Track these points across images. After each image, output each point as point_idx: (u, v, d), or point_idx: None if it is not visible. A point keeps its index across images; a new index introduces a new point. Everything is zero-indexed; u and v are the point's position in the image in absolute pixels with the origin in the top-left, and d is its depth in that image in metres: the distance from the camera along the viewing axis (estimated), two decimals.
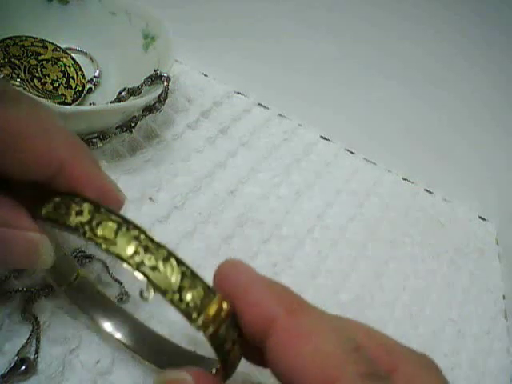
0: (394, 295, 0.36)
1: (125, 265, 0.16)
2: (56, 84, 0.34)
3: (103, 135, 0.32)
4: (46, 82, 0.34)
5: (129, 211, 0.31)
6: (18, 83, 0.32)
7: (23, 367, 0.22)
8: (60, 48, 0.36)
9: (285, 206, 0.37)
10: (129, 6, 0.37)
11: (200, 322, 0.16)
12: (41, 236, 0.19)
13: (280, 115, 0.45)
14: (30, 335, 0.23)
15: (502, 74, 0.42)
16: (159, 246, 0.17)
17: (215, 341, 0.16)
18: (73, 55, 0.37)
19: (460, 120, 0.45)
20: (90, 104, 0.35)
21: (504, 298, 0.42)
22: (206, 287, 0.17)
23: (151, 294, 0.16)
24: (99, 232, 0.16)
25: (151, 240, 0.17)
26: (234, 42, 0.44)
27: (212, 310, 0.16)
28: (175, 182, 0.34)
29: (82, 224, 0.17)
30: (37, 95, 0.32)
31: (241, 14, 0.44)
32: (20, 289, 0.24)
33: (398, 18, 0.41)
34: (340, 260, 0.36)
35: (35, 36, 0.35)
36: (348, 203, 0.41)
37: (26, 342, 0.23)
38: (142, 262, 0.16)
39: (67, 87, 0.35)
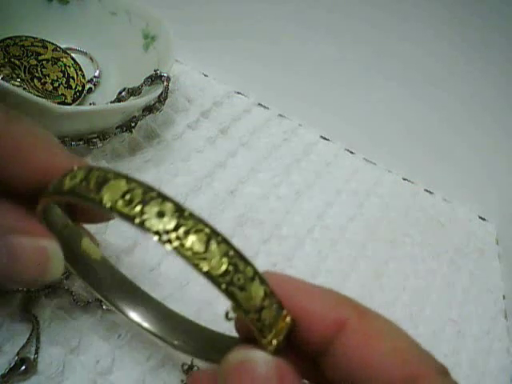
0: (394, 295, 0.36)
1: (210, 282, 0.14)
2: (56, 84, 0.34)
3: (103, 135, 0.32)
4: (46, 82, 0.34)
5: None
6: (18, 83, 0.32)
7: (23, 367, 0.22)
8: (60, 48, 0.36)
9: (285, 206, 0.37)
10: (129, 5, 0.37)
11: (269, 338, 0.16)
12: (51, 242, 0.18)
13: (280, 115, 0.45)
14: (30, 335, 0.23)
15: (502, 75, 0.42)
16: (247, 263, 0.15)
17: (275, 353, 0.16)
18: (73, 55, 0.37)
19: (460, 120, 0.45)
20: (90, 104, 0.35)
21: (504, 298, 0.42)
22: (279, 305, 0.16)
23: (234, 315, 0.15)
24: (188, 243, 0.14)
25: (240, 256, 0.15)
26: (234, 43, 0.44)
27: (280, 327, 0.16)
28: (175, 181, 0.34)
29: (167, 231, 0.14)
30: (37, 95, 0.32)
31: (241, 15, 0.44)
32: (20, 289, 0.24)
33: (398, 19, 0.41)
34: (340, 260, 0.36)
35: (35, 36, 0.35)
36: (348, 203, 0.41)
37: (26, 342, 0.23)
38: (231, 282, 0.15)
39: (67, 87, 0.35)
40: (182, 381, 0.25)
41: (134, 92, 0.33)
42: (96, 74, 0.37)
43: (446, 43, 0.41)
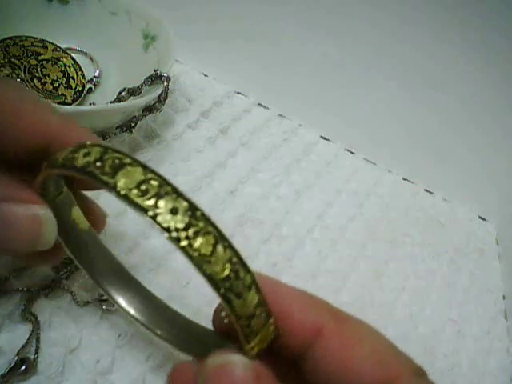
0: (394, 295, 0.36)
1: (210, 285, 0.14)
2: (56, 84, 0.34)
3: (103, 135, 0.32)
4: (46, 82, 0.34)
5: (129, 211, 0.31)
6: None
7: (23, 367, 0.22)
8: (60, 48, 0.36)
9: (285, 206, 0.37)
10: (129, 5, 0.37)
11: (252, 344, 0.16)
12: (44, 210, 0.18)
13: (280, 115, 0.45)
14: (30, 335, 0.23)
15: (502, 76, 0.42)
16: (247, 270, 0.15)
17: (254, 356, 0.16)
18: (73, 55, 0.37)
19: (460, 120, 0.45)
20: (90, 104, 0.35)
21: (504, 298, 0.42)
22: (268, 313, 0.16)
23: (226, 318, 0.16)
24: (196, 244, 0.14)
25: (242, 263, 0.15)
26: (234, 43, 0.44)
27: (265, 334, 0.16)
28: (175, 181, 0.34)
29: (177, 229, 0.14)
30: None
31: (241, 14, 0.44)
32: (20, 289, 0.24)
33: (398, 20, 0.41)
34: (340, 260, 0.36)
35: (35, 36, 0.35)
36: (348, 203, 0.41)
37: (26, 342, 0.23)
38: (230, 288, 0.15)
39: (67, 87, 0.35)
40: None
41: (134, 92, 0.33)
42: (96, 74, 0.37)
43: (445, 44, 0.41)
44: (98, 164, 0.15)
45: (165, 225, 0.14)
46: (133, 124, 0.33)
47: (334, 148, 0.45)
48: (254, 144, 0.41)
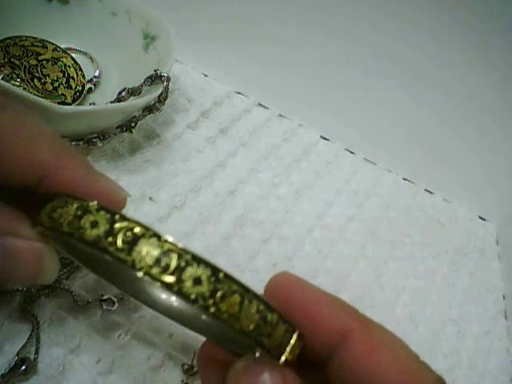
0: (394, 295, 0.36)
1: (242, 336, 0.15)
2: (56, 84, 0.34)
3: (103, 135, 0.32)
4: (46, 82, 0.34)
5: (129, 211, 0.31)
6: (18, 83, 0.32)
7: (23, 367, 0.22)
8: (60, 48, 0.36)
9: (285, 206, 0.37)
10: (129, 6, 0.37)
11: (269, 346, 0.16)
12: (45, 246, 0.18)
13: (280, 115, 0.45)
14: (30, 335, 0.23)
15: (502, 76, 0.42)
16: (272, 311, 0.16)
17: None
18: (73, 55, 0.37)
19: (460, 120, 0.45)
20: (90, 104, 0.35)
21: (504, 298, 0.42)
22: (293, 331, 0.17)
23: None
24: (224, 307, 0.15)
25: (269, 308, 0.16)
26: (234, 43, 0.44)
27: (292, 351, 0.17)
28: (175, 181, 0.34)
29: (204, 298, 0.14)
30: (37, 95, 0.32)
31: (241, 14, 0.44)
32: (20, 289, 0.24)
33: (398, 20, 0.41)
34: (340, 260, 0.36)
35: (35, 36, 0.35)
36: (348, 203, 0.41)
37: (26, 342, 0.23)
38: (260, 333, 0.15)
39: (67, 87, 0.35)
40: (182, 381, 0.25)
41: (134, 92, 0.33)
42: (96, 73, 0.37)
43: (445, 44, 0.41)
44: (110, 240, 0.15)
45: (192, 297, 0.14)
46: (133, 124, 0.33)
47: (334, 148, 0.45)
48: (254, 144, 0.41)
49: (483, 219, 0.48)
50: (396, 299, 0.36)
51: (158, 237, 0.15)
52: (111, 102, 0.33)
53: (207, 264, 0.15)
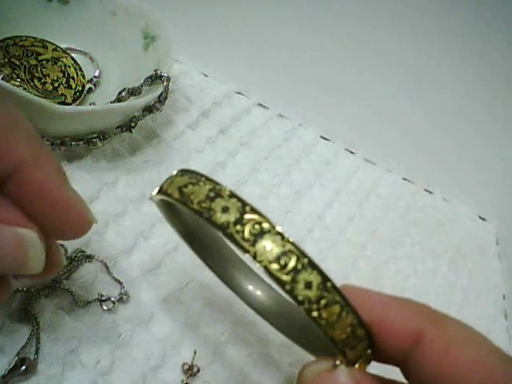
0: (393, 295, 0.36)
1: (332, 342, 0.16)
2: (56, 84, 0.34)
3: (103, 135, 0.32)
4: (45, 82, 0.34)
5: (129, 211, 0.31)
6: (18, 83, 0.32)
7: (23, 367, 0.22)
8: (60, 48, 0.36)
9: (285, 206, 0.37)
10: (129, 5, 0.37)
11: (349, 357, 0.17)
12: (32, 234, 0.17)
13: (280, 115, 0.45)
14: (30, 335, 0.23)
15: (502, 77, 0.42)
16: (362, 327, 0.17)
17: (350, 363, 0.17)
18: (73, 55, 0.37)
19: (460, 120, 0.45)
20: (90, 104, 0.35)
21: (504, 297, 0.42)
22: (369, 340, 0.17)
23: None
24: (324, 314, 0.16)
25: (361, 324, 0.17)
26: (234, 42, 0.44)
27: (366, 358, 0.18)
28: None
29: (310, 302, 0.16)
30: (37, 95, 0.32)
31: (241, 14, 0.44)
32: (20, 289, 0.24)
33: (399, 20, 0.41)
34: (340, 260, 0.36)
35: (35, 36, 0.35)
36: (348, 203, 0.41)
37: (26, 342, 0.23)
38: (347, 344, 0.16)
39: (67, 87, 0.35)
40: (182, 381, 0.25)
41: (134, 92, 0.33)
42: (96, 73, 0.37)
43: (445, 45, 0.41)
44: (238, 228, 0.16)
45: (300, 298, 0.15)
46: (133, 124, 0.33)
47: (334, 148, 0.45)
48: (254, 144, 0.41)
49: (483, 219, 0.48)
50: None
51: (282, 236, 0.16)
52: (111, 102, 0.33)
53: (320, 271, 0.16)
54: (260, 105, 0.45)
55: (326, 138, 0.46)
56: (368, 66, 0.44)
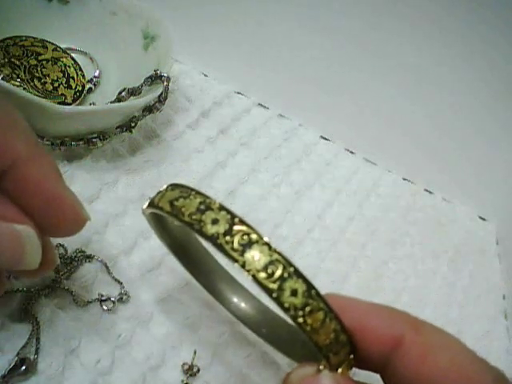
0: (394, 295, 0.36)
1: (316, 348, 0.17)
2: (56, 84, 0.34)
3: (103, 135, 0.32)
4: (45, 82, 0.34)
5: (129, 211, 0.31)
6: (18, 83, 0.32)
7: (23, 367, 0.22)
8: (60, 48, 0.36)
9: (285, 206, 0.37)
10: (129, 5, 0.37)
11: (332, 362, 0.17)
12: (28, 230, 0.18)
13: (280, 115, 0.45)
14: (30, 335, 0.23)
15: (502, 77, 0.42)
16: (345, 333, 0.17)
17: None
18: (73, 55, 0.37)
19: (460, 120, 0.45)
20: (90, 104, 0.35)
21: (504, 297, 0.42)
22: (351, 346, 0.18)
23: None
24: (309, 320, 0.16)
25: (343, 330, 0.17)
26: (234, 42, 0.44)
27: (348, 364, 0.18)
28: (175, 181, 0.34)
29: (296, 309, 0.16)
30: (37, 95, 0.32)
31: (241, 14, 0.44)
32: (20, 289, 0.24)
33: (399, 20, 0.41)
34: (340, 260, 0.36)
35: (35, 36, 0.35)
36: (348, 203, 0.41)
37: (26, 342, 0.23)
38: (330, 350, 0.17)
39: (67, 87, 0.35)
40: (182, 381, 0.25)
41: (134, 92, 0.33)
42: (96, 73, 0.37)
43: (446, 44, 0.41)
44: (228, 238, 0.17)
45: (286, 305, 0.16)
46: (133, 124, 0.33)
47: (334, 148, 0.45)
48: (254, 144, 0.41)
49: (483, 219, 0.48)
50: (396, 299, 0.36)
51: (269, 246, 0.17)
52: (111, 102, 0.33)
53: (305, 280, 0.17)
54: (260, 105, 0.45)
55: (326, 138, 0.46)
56: (368, 66, 0.44)
